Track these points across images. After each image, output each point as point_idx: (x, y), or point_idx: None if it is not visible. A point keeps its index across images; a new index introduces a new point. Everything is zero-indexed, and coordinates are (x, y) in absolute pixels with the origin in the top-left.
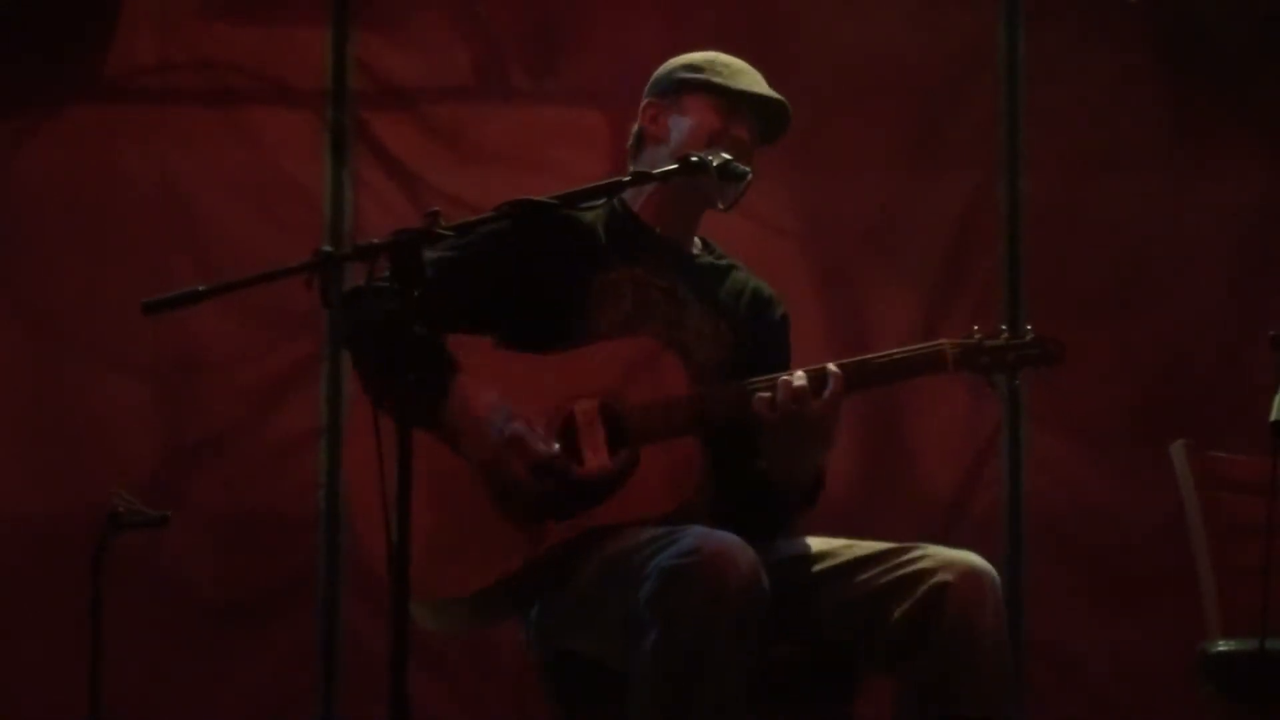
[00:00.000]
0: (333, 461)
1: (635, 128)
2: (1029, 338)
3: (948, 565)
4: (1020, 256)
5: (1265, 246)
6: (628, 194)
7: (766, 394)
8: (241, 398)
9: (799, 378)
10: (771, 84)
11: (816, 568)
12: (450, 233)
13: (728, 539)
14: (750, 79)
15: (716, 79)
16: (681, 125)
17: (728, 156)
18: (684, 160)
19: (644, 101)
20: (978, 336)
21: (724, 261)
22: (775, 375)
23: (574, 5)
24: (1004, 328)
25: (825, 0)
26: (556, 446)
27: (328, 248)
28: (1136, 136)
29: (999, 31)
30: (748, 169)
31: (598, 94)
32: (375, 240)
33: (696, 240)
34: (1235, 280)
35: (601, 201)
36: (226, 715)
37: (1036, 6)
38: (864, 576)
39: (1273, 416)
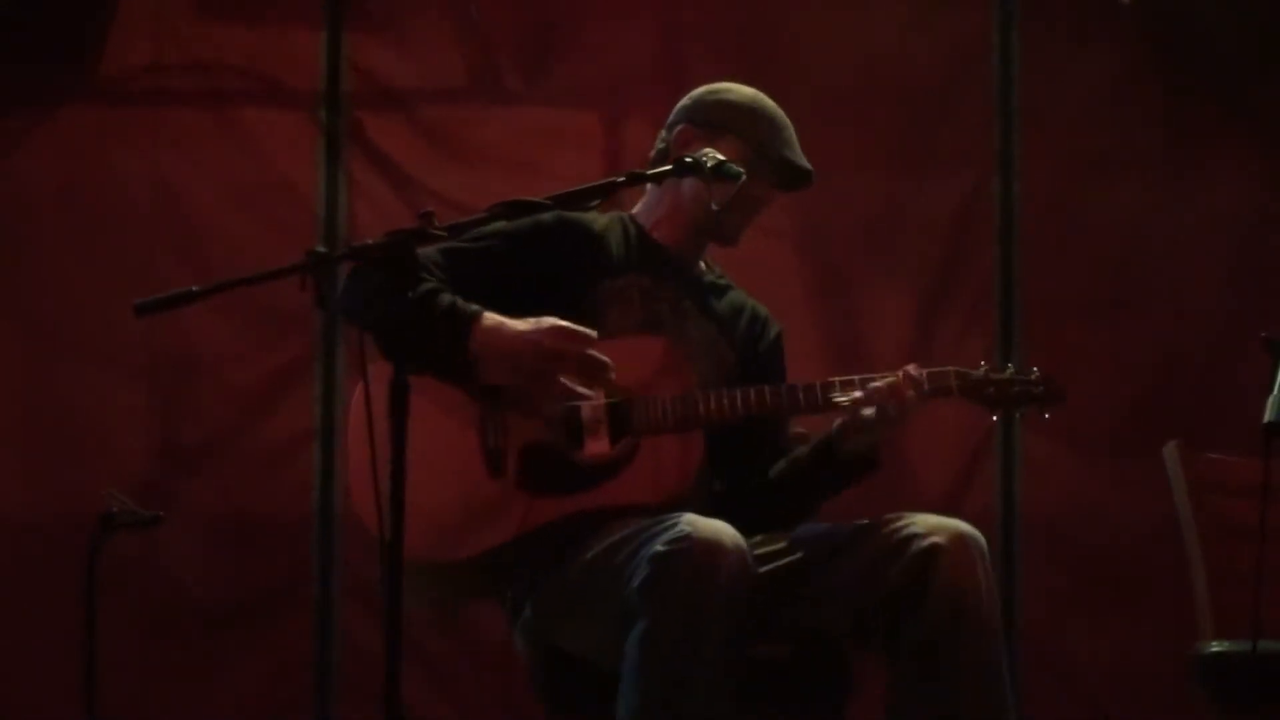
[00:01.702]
0: (327, 463)
1: (661, 143)
2: (1034, 375)
3: (936, 530)
4: (1015, 259)
5: (1259, 249)
6: (639, 214)
7: (848, 396)
8: (235, 399)
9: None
10: (765, 87)
11: (806, 550)
12: (444, 234)
13: (717, 525)
14: (786, 138)
15: (760, 136)
16: None
17: (721, 158)
18: (678, 161)
19: (680, 124)
20: (984, 369)
21: (724, 281)
22: (796, 383)
23: (568, 8)
24: (1010, 365)
25: (818, 3)
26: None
27: (321, 249)
28: (1131, 139)
29: (994, 33)
30: (741, 170)
31: (591, 96)
32: (369, 241)
33: (702, 263)
34: (1229, 282)
35: (598, 202)
36: (222, 718)
37: (1031, 8)
38: (854, 550)
39: (1266, 418)
